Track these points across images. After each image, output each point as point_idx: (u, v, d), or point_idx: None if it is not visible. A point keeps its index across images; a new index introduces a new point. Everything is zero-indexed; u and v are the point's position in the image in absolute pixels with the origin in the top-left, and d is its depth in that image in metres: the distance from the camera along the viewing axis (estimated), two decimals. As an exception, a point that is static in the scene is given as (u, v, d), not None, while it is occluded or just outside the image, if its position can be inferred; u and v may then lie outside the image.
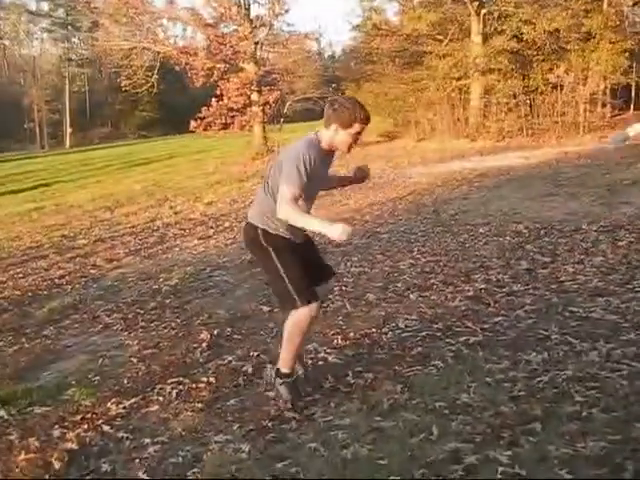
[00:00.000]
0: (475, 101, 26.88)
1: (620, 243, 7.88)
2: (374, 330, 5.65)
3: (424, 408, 4.16)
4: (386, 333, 5.55)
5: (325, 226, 3.90)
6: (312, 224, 4.01)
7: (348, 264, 7.90)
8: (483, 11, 27.18)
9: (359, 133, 4.20)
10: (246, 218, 4.52)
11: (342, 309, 6.29)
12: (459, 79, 27.34)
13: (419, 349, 5.12)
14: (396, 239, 9.14)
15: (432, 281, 6.95)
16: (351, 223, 10.45)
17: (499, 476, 3.40)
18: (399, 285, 6.89)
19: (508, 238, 8.59)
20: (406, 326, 5.67)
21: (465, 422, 3.94)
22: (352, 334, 5.56)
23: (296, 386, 4.51)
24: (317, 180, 4.25)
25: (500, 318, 5.65)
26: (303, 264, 4.35)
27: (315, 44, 50.89)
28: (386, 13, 33.35)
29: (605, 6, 26.39)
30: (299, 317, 4.28)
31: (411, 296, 6.50)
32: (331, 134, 4.21)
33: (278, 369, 4.49)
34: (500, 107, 25.85)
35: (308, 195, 4.26)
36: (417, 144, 25.90)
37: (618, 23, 27.01)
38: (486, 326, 5.49)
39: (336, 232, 3.84)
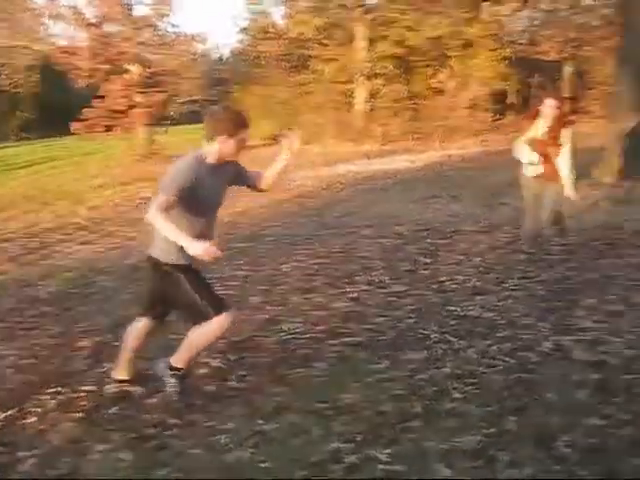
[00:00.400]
0: (360, 105, 27.26)
1: (498, 243, 8.16)
2: (258, 333, 5.63)
3: (307, 410, 4.18)
4: (270, 336, 5.55)
5: (188, 241, 3.88)
6: (176, 236, 3.95)
7: (233, 267, 7.85)
8: (368, 17, 27.58)
9: (244, 139, 4.18)
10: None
11: (226, 313, 6.24)
12: (344, 83, 27.64)
13: (302, 351, 5.15)
14: (281, 242, 9.16)
15: (316, 283, 7.00)
16: (236, 226, 10.43)
17: (379, 474, 3.45)
18: (283, 288, 6.90)
19: (390, 240, 8.76)
20: (289, 329, 5.68)
21: (346, 422, 3.98)
22: (236, 338, 5.50)
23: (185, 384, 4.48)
24: (208, 196, 4.19)
25: (381, 319, 5.75)
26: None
27: (202, 46, 50.33)
28: (273, 16, 33.19)
29: (484, 15, 27.28)
30: (212, 327, 4.25)
31: (295, 299, 6.52)
32: (220, 146, 4.15)
33: (171, 365, 4.44)
34: (385, 111, 26.30)
35: (200, 211, 4.20)
36: (303, 147, 25.85)
37: (497, 32, 27.97)
38: (368, 327, 5.57)
39: (198, 250, 3.85)
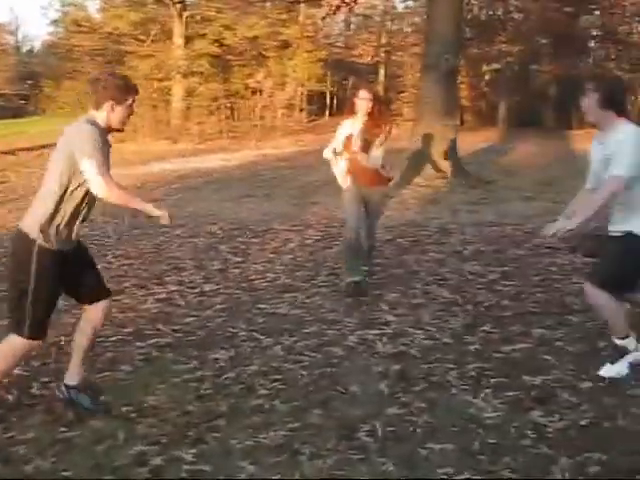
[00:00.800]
0: (177, 103, 26.99)
1: (308, 241, 8.34)
2: (63, 338, 5.41)
3: (111, 414, 4.08)
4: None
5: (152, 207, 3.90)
6: (136, 202, 3.91)
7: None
8: (185, 14, 27.37)
9: (132, 105, 4.01)
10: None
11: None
12: (161, 80, 27.27)
13: (109, 354, 5.02)
14: (90, 243, 8.83)
15: (125, 285, 6.84)
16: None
17: (184, 474, 3.43)
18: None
19: (203, 239, 8.73)
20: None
21: (152, 424, 3.92)
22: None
23: None
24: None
25: (191, 319, 5.72)
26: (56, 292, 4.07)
27: (11, 37, 47.99)
28: (87, 9, 32.18)
29: (301, 17, 27.78)
30: (17, 346, 3.98)
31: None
32: (106, 114, 3.93)
33: None
34: (202, 110, 26.18)
35: None
36: (118, 145, 25.21)
37: (313, 34, 28.58)
38: (176, 327, 5.52)
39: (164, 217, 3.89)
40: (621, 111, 4.25)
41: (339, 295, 6.23)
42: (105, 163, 3.85)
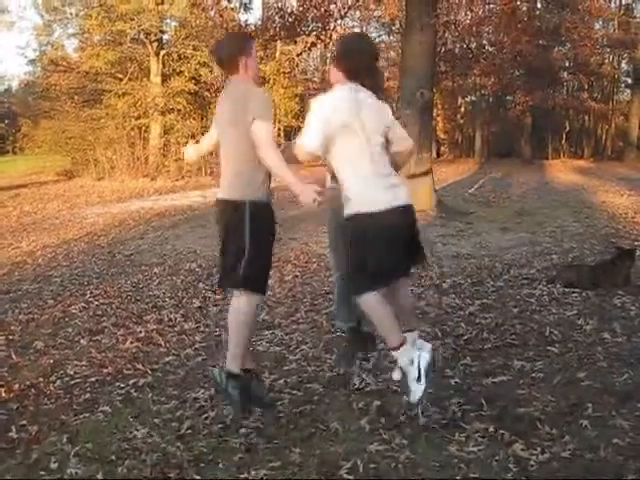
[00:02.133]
0: (155, 140, 27.03)
1: (287, 277, 8.34)
2: (41, 379, 5.38)
3: (90, 457, 4.04)
4: (54, 382, 5.32)
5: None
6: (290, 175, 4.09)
7: (16, 311, 7.48)
8: (162, 52, 27.54)
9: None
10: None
11: (8, 359, 5.91)
12: (138, 118, 27.32)
13: (87, 395, 4.98)
14: (69, 282, 8.84)
15: (104, 324, 6.80)
16: (22, 267, 9.96)
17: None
18: (70, 330, 6.65)
19: (182, 277, 8.71)
20: (75, 373, 5.48)
21: (132, 466, 3.88)
22: (17, 385, 5.25)
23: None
24: None
25: (170, 357, 5.69)
26: None
27: (-12, 76, 47.99)
28: (65, 49, 32.29)
29: (278, 54, 28.03)
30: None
31: (82, 341, 6.31)
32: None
33: None
34: (179, 147, 26.22)
35: None
36: (96, 183, 25.33)
37: (290, 70, 28.83)
38: (156, 367, 5.49)
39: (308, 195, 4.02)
40: None
41: (318, 331, 6.23)
42: None
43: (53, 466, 3.97)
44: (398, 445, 3.95)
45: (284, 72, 28.41)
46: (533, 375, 4.95)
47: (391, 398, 4.66)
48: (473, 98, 29.40)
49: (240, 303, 4.35)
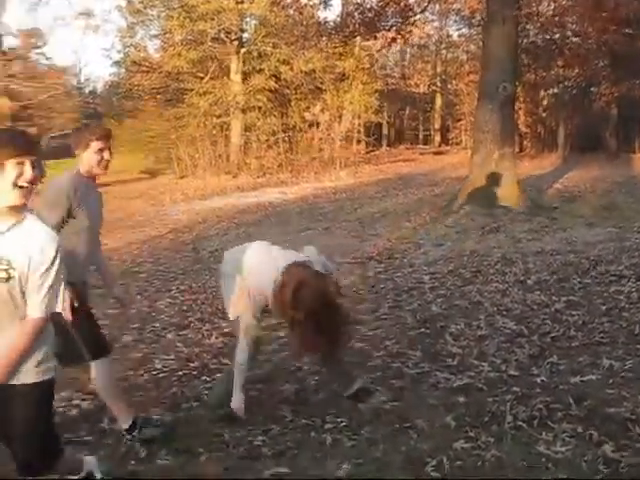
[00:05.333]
0: (236, 138, 27.30)
1: (369, 273, 8.33)
2: (130, 372, 5.54)
3: (179, 449, 4.12)
4: (142, 375, 5.47)
5: None
6: None
7: (105, 305, 7.67)
8: (242, 50, 27.79)
9: (102, 150, 4.15)
10: None
11: (98, 353, 6.08)
12: (220, 116, 27.65)
13: (174, 389, 5.10)
14: (154, 278, 9.03)
15: (190, 319, 6.94)
16: (109, 264, 10.20)
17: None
18: (157, 325, 6.81)
19: (265, 273, 8.77)
20: (163, 366, 5.62)
21: (219, 458, 3.95)
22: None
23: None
24: (90, 212, 4.17)
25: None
26: None
27: (75, 79, 49.34)
28: (147, 50, 32.91)
29: (357, 50, 27.98)
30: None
31: (169, 336, 6.46)
32: (80, 160, 4.17)
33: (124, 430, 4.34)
34: (260, 144, 26.49)
35: (84, 228, 4.16)
36: (179, 181, 25.79)
37: (369, 66, 28.75)
38: (242, 361, 5.56)
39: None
40: None
41: (402, 327, 6.21)
42: None
43: (143, 455, 4.08)
44: (484, 443, 3.91)
45: (363, 68, 28.32)
46: (623, 374, 4.82)
47: (476, 395, 4.61)
48: (556, 90, 28.74)
49: None
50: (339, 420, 4.33)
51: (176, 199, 19.84)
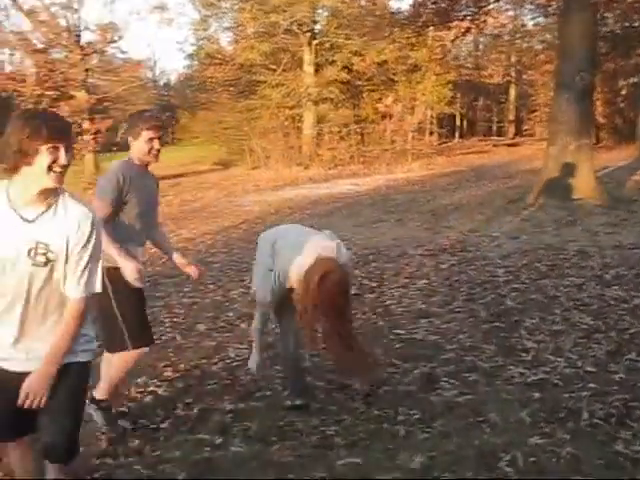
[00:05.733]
0: (308, 130, 27.41)
1: (443, 266, 8.28)
2: (204, 361, 5.61)
3: (253, 437, 4.18)
4: (216, 363, 5.53)
5: (122, 260, 3.99)
6: (112, 251, 3.99)
7: (180, 294, 7.81)
8: (315, 42, 27.86)
9: (152, 139, 4.23)
10: None
11: (173, 341, 6.20)
12: (292, 108, 27.79)
13: (248, 377, 5.14)
14: (228, 268, 9.13)
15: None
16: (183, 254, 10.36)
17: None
18: (230, 314, 6.89)
19: (338, 264, 8.79)
20: (236, 355, 5.68)
21: (292, 447, 3.99)
22: (182, 366, 5.49)
23: (114, 417, 4.44)
24: (141, 198, 4.24)
25: (329, 344, 5.77)
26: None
27: (149, 72, 50.25)
28: (220, 42, 33.25)
29: (430, 40, 27.73)
30: (127, 358, 4.24)
31: (242, 325, 6.52)
32: (131, 148, 4.29)
33: (94, 397, 4.37)
34: (332, 135, 26.51)
35: (136, 214, 4.24)
36: (251, 172, 26.02)
37: (442, 56, 28.47)
38: (314, 352, 5.54)
39: (127, 271, 3.98)
40: None
41: (476, 321, 6.15)
42: None
43: (218, 442, 4.14)
44: (560, 440, 3.86)
45: (436, 59, 28.07)
46: None
47: (551, 391, 4.55)
48: (635, 80, 27.99)
49: None
50: (412, 412, 4.33)
51: (248, 190, 20.01)
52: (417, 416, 4.27)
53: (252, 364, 5.00)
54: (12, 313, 2.82)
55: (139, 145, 4.23)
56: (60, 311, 2.87)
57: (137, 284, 4.07)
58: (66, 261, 2.78)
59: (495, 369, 5.01)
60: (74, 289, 2.85)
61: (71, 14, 25.73)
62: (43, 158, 2.63)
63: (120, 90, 28.77)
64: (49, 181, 2.67)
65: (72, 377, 2.95)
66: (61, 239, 2.75)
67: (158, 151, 4.28)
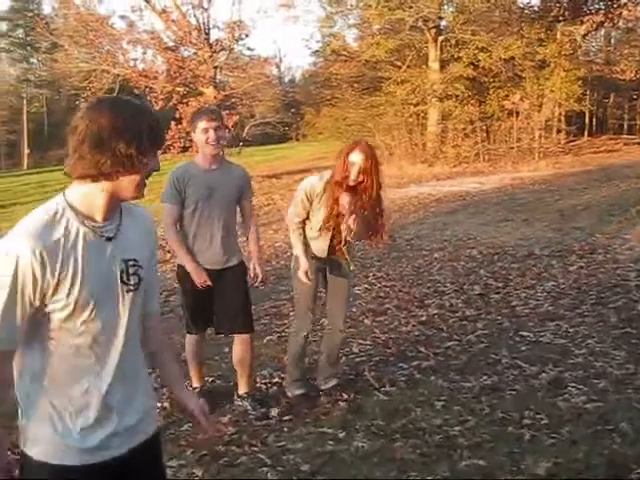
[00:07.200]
0: (432, 127, 27.19)
1: (571, 268, 8.06)
2: (329, 355, 5.68)
3: (375, 432, 4.21)
4: (340, 358, 5.59)
5: (187, 265, 4.49)
6: (180, 254, 4.51)
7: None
8: (440, 38, 27.59)
9: (207, 130, 4.42)
10: None
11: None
12: (417, 105, 27.61)
13: (372, 373, 5.18)
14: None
15: (386, 306, 7.04)
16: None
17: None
18: (354, 310, 6.93)
19: (462, 263, 8.74)
20: (360, 351, 5.74)
21: (415, 445, 4.00)
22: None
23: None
24: (200, 193, 4.47)
25: (452, 343, 5.76)
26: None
27: (275, 69, 51.09)
28: (345, 39, 33.42)
29: (559, 35, 26.98)
30: (190, 340, 4.86)
31: (365, 321, 6.57)
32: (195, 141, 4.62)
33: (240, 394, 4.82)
34: (457, 133, 26.20)
35: (206, 214, 4.52)
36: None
37: (572, 52, 27.62)
38: (438, 351, 5.59)
39: (192, 275, 4.47)
40: None
41: (605, 326, 5.97)
42: None
43: (340, 436, 4.20)
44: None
45: (565, 54, 27.25)
46: None
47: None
48: None
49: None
50: (538, 416, 4.26)
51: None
52: (544, 421, 4.19)
53: (301, 271, 4.59)
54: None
55: (197, 137, 4.48)
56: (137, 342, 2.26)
57: (199, 286, 4.47)
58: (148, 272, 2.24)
59: (626, 376, 4.84)
60: (156, 302, 2.41)
61: (201, 13, 26.49)
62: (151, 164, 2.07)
63: (247, 86, 29.35)
64: (141, 190, 2.08)
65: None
66: (143, 249, 2.24)
67: (216, 139, 4.46)
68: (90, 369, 2.07)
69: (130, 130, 1.94)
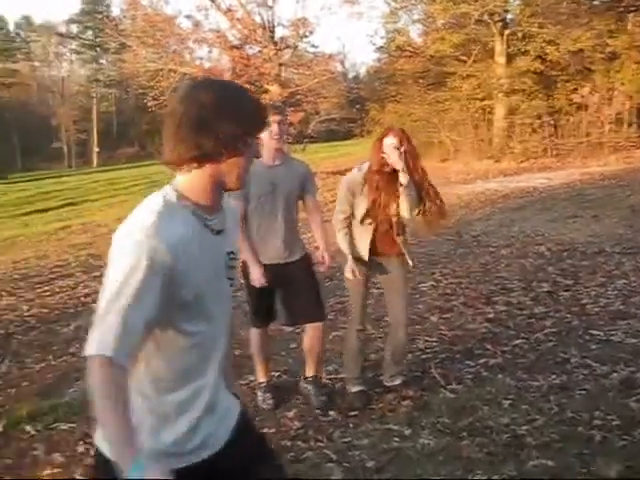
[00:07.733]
0: (499, 122, 26.87)
1: (643, 265, 7.89)
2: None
3: (441, 430, 4.19)
4: (405, 356, 5.56)
5: (250, 264, 4.54)
6: (244, 251, 4.47)
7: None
8: (507, 32, 27.25)
9: (271, 124, 4.42)
10: None
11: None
12: (483, 100, 27.34)
13: (438, 371, 5.16)
14: (418, 260, 9.11)
15: (453, 303, 6.99)
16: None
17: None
18: (420, 307, 6.92)
19: (530, 260, 8.62)
20: (426, 347, 5.72)
21: (482, 444, 3.96)
22: (372, 355, 5.58)
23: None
24: (260, 189, 4.49)
25: (520, 341, 5.69)
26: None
27: (339, 65, 51.11)
28: (410, 34, 33.25)
29: (630, 26, 26.36)
30: (252, 335, 4.94)
31: (432, 318, 6.54)
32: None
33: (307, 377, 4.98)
34: (524, 128, 25.84)
35: (268, 210, 4.59)
36: (440, 165, 25.79)
37: (644, 43, 26.96)
38: (506, 349, 5.52)
39: (252, 274, 4.52)
40: None
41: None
42: None
43: (406, 433, 4.19)
44: None
45: (637, 46, 26.60)
46: None
47: None
48: None
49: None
50: (609, 417, 4.17)
51: (437, 183, 19.46)
52: (615, 422, 4.11)
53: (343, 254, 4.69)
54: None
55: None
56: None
57: (256, 285, 4.52)
58: None
59: None
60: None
61: (265, 11, 26.64)
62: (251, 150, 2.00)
63: (311, 83, 29.42)
64: (243, 180, 2.02)
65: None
66: (236, 240, 2.22)
67: (279, 135, 4.50)
68: (198, 369, 2.00)
69: (235, 109, 1.89)
